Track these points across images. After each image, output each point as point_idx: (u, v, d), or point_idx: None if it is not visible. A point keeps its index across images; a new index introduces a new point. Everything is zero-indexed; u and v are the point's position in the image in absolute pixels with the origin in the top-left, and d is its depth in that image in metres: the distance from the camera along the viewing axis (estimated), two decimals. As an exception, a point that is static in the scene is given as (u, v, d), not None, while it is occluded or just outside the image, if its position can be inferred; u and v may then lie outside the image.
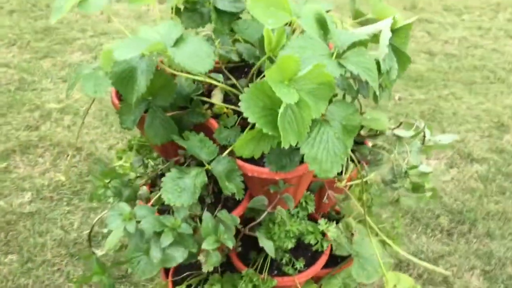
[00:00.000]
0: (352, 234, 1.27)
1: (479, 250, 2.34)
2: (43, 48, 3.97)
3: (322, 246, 1.06)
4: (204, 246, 0.86)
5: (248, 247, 1.19)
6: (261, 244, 0.94)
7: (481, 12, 4.66)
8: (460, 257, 2.30)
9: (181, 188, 0.86)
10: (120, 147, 2.95)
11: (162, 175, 1.14)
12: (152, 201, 1.02)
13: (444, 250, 2.33)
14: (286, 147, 0.77)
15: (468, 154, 2.94)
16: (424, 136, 1.10)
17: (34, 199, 2.63)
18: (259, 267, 1.12)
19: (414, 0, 4.80)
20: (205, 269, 1.13)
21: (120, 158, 1.32)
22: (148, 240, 1.13)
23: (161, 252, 0.90)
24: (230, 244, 0.88)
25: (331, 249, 1.22)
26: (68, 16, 4.34)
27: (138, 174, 1.17)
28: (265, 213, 0.94)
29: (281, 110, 0.74)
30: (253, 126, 0.78)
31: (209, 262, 0.90)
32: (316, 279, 1.32)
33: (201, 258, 1.14)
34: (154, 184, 1.13)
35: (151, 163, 1.29)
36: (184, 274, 1.31)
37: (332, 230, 1.04)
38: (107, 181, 1.04)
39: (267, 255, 1.15)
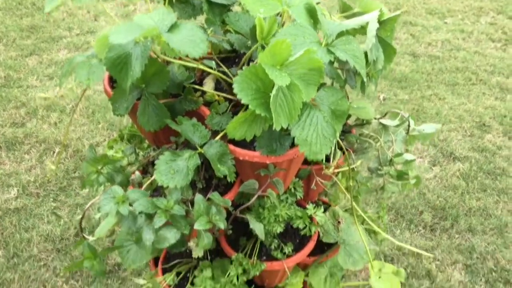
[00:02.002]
0: (339, 222, 1.30)
1: (461, 245, 2.39)
2: (29, 46, 3.95)
3: (310, 231, 1.09)
4: (196, 226, 0.88)
5: (238, 234, 1.22)
6: (251, 226, 0.96)
7: (464, 16, 4.76)
8: (442, 252, 2.35)
9: (174, 171, 0.88)
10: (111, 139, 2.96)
11: (154, 162, 1.17)
12: (144, 187, 1.04)
13: (427, 245, 2.38)
14: (278, 129, 0.79)
15: (451, 153, 3.00)
16: (409, 126, 1.14)
17: (20, 195, 2.62)
18: (248, 252, 1.15)
19: (398, 2, 4.88)
20: (195, 254, 1.15)
21: (111, 148, 1.33)
22: (139, 229, 1.15)
23: (153, 233, 0.92)
24: (222, 225, 0.90)
25: (318, 236, 1.25)
26: (54, 15, 4.32)
27: (129, 162, 1.19)
28: (256, 195, 0.97)
29: (273, 92, 0.76)
30: (246, 109, 0.81)
31: (201, 244, 0.92)
32: (303, 267, 1.35)
33: (191, 244, 1.17)
34: (145, 171, 1.15)
35: (142, 153, 1.31)
36: (174, 262, 1.33)
37: (320, 215, 1.07)
38: (99, 167, 1.06)
39: (256, 241, 1.17)
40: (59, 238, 2.36)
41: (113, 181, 1.06)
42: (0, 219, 2.46)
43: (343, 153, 1.16)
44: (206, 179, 1.09)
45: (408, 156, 1.11)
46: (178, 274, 1.31)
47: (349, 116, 1.17)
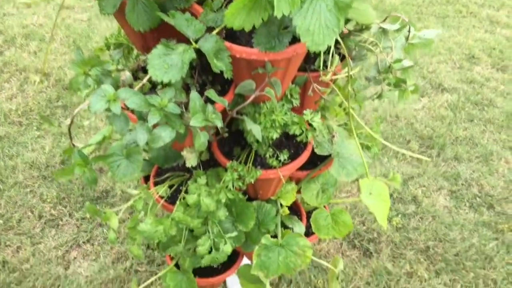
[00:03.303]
0: (333, 136, 1.28)
1: (446, 172, 2.43)
2: (3, -28, 3.74)
3: (306, 137, 1.07)
4: (192, 123, 0.85)
5: (231, 146, 1.20)
6: (248, 127, 0.94)
7: None
8: (428, 179, 2.38)
9: (168, 65, 0.84)
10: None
11: (144, 67, 1.12)
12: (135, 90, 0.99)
13: (414, 172, 2.41)
14: (279, 16, 0.75)
15: (439, 84, 2.99)
16: (409, 31, 1.10)
17: (2, 123, 2.55)
18: (242, 162, 1.13)
19: None
20: (189, 163, 1.13)
21: (98, 57, 1.27)
22: (129, 145, 1.12)
23: (147, 132, 0.88)
24: (219, 123, 0.87)
25: (312, 152, 1.23)
26: None
27: (118, 68, 1.14)
28: (254, 95, 0.93)
29: (275, -27, 0.71)
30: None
31: (197, 143, 0.89)
32: (296, 181, 1.35)
33: (184, 154, 1.14)
34: (135, 77, 1.10)
35: (130, 64, 1.26)
36: (166, 176, 1.31)
37: (316, 121, 1.04)
38: (87, 69, 1.00)
39: (250, 150, 1.15)
40: (45, 165, 2.33)
41: (102, 84, 1.01)
42: (-17, 146, 2.41)
43: (341, 60, 1.12)
44: (199, 84, 1.05)
45: (407, 62, 1.08)
46: (170, 186, 1.29)
47: (348, 21, 1.12)
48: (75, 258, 1.96)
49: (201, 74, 1.06)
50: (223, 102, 0.90)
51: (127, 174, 1.10)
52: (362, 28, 1.12)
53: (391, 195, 2.29)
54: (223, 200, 1.05)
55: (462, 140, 2.62)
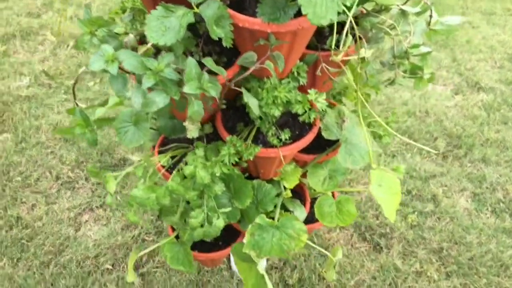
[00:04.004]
0: (343, 121, 1.24)
1: (472, 174, 2.33)
2: None
3: (309, 117, 1.03)
4: (186, 90, 0.83)
5: (235, 122, 1.17)
6: (245, 100, 0.91)
7: None
8: (451, 179, 2.30)
9: (166, 27, 0.82)
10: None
11: (152, 32, 1.10)
12: (139, 53, 0.98)
13: (437, 171, 2.33)
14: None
15: (476, 83, 2.87)
16: (431, 16, 1.04)
17: (32, 84, 2.61)
18: (244, 138, 1.11)
19: None
20: (190, 134, 1.11)
21: (113, 20, 1.26)
22: (137, 113, 1.11)
23: (142, 96, 0.87)
24: (214, 92, 0.85)
25: (322, 137, 1.20)
26: None
27: (127, 31, 1.13)
28: (253, 67, 0.90)
29: None
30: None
31: (191, 110, 0.87)
32: (302, 164, 1.31)
33: (186, 124, 1.13)
34: (142, 42, 1.09)
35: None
36: (170, 146, 1.30)
37: (321, 101, 1.00)
38: (94, 29, 0.99)
39: (253, 127, 1.13)
40: (68, 128, 2.37)
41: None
42: (11, 104, 2.47)
43: (355, 41, 1.07)
44: (205, 53, 1.02)
45: (424, 49, 1.03)
46: (173, 157, 1.28)
47: (366, 0, 1.07)
48: (86, 221, 2.00)
49: (207, 43, 1.03)
50: (221, 71, 0.87)
51: (134, 140, 1.10)
52: (381, 9, 1.07)
53: (409, 192, 2.22)
54: (218, 174, 1.03)
55: (492, 142, 2.51)
